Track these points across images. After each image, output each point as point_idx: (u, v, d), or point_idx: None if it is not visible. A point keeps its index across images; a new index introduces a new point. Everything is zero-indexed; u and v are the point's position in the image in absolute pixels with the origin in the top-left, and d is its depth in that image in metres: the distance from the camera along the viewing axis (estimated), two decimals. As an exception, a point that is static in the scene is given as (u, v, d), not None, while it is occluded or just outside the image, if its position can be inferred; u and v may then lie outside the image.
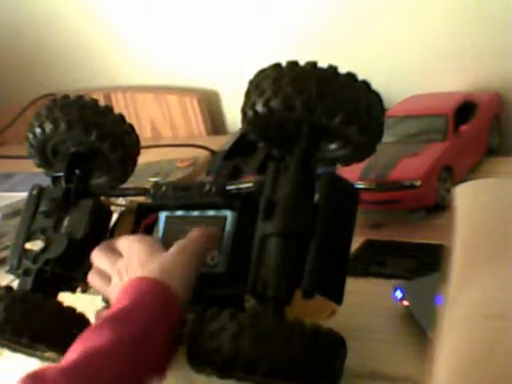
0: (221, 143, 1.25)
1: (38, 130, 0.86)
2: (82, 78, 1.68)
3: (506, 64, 1.21)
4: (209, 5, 1.47)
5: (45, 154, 0.89)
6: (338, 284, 0.68)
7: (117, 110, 1.68)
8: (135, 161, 0.91)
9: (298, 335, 0.63)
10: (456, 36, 1.24)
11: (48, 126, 0.85)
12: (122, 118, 0.89)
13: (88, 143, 0.85)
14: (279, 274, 0.66)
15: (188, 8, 1.50)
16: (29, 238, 0.83)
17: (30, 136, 0.87)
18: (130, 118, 1.60)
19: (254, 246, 0.68)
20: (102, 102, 1.64)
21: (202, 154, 1.37)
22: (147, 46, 1.59)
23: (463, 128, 1.09)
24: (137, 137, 0.90)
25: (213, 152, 1.33)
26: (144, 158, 1.42)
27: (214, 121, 1.57)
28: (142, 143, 1.54)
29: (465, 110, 1.12)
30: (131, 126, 0.90)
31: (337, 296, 0.68)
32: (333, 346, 0.65)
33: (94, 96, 1.61)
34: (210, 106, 1.56)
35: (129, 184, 1.33)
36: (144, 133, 1.61)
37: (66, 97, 0.87)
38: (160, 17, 1.54)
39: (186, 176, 1.30)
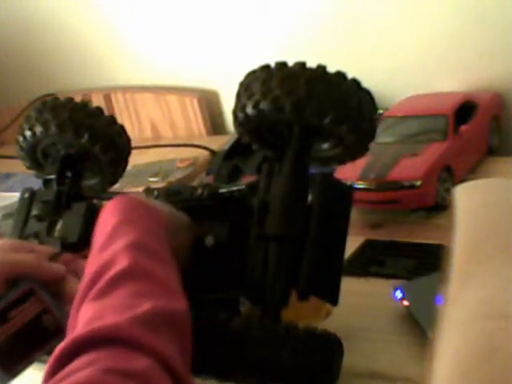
0: (221, 143, 1.26)
1: (28, 133, 0.85)
2: (82, 78, 1.68)
3: (506, 64, 1.21)
4: (209, 5, 1.47)
5: (35, 156, 0.88)
6: (334, 285, 0.68)
7: (117, 110, 1.69)
8: (126, 162, 0.90)
9: (293, 337, 0.63)
10: (456, 36, 1.24)
11: (38, 129, 0.84)
12: (113, 119, 0.88)
13: (79, 145, 0.84)
14: (275, 276, 0.66)
15: (188, 8, 1.50)
16: None
17: (20, 139, 0.86)
18: (130, 118, 1.61)
19: (248, 249, 0.68)
20: (102, 102, 1.66)
21: (202, 154, 1.37)
22: (147, 46, 1.59)
23: (463, 128, 1.09)
24: (128, 138, 0.89)
25: (213, 152, 1.33)
26: (144, 157, 1.43)
27: (214, 121, 1.57)
28: (142, 143, 1.55)
29: (465, 109, 1.12)
30: (122, 127, 0.89)
31: (332, 297, 0.67)
32: (329, 347, 0.65)
33: (94, 96, 1.63)
34: (210, 106, 1.56)
35: (129, 184, 1.33)
36: (144, 133, 1.61)
37: (56, 99, 0.86)
38: (160, 17, 1.54)
39: (186, 176, 1.30)
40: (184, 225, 0.72)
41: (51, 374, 0.50)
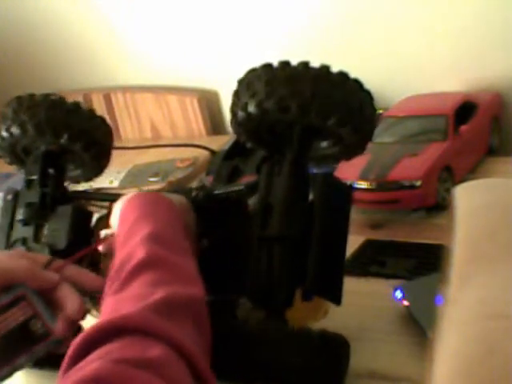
0: (221, 143, 1.25)
1: (4, 134, 0.82)
2: (82, 78, 1.68)
3: (506, 64, 1.21)
4: (209, 5, 1.47)
5: (16, 154, 0.86)
6: (338, 285, 0.68)
7: (117, 110, 1.68)
8: (109, 153, 0.88)
9: (305, 339, 0.63)
10: (456, 36, 1.24)
11: (15, 131, 0.82)
12: (91, 112, 0.85)
13: (59, 144, 0.82)
14: (279, 277, 0.66)
15: (188, 8, 1.50)
16: (9, 249, 0.80)
17: None
18: (130, 118, 1.62)
19: (246, 250, 0.68)
20: (102, 102, 1.66)
21: (202, 154, 1.37)
22: (147, 46, 1.59)
23: (463, 128, 1.09)
24: (109, 129, 0.87)
25: (213, 152, 1.33)
26: (144, 157, 1.43)
27: (214, 121, 1.57)
28: (142, 143, 1.55)
29: (465, 109, 1.12)
30: (102, 119, 0.86)
31: (336, 297, 0.68)
32: (339, 348, 0.65)
33: (94, 96, 1.63)
34: (210, 105, 1.56)
35: (129, 184, 1.33)
36: (144, 133, 1.62)
37: (32, 96, 0.83)
38: (160, 17, 1.54)
39: (186, 176, 1.30)
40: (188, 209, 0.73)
41: (67, 368, 0.50)
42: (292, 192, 0.68)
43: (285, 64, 0.68)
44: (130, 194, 0.74)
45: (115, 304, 0.56)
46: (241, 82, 0.71)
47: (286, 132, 0.71)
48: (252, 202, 0.71)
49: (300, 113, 0.66)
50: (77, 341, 0.51)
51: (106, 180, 1.31)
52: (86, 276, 0.69)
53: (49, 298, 0.67)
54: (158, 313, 0.53)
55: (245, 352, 0.64)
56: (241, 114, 0.70)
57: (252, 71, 0.70)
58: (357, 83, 0.69)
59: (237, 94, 0.71)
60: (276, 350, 0.63)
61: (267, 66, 0.69)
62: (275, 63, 0.69)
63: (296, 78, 0.67)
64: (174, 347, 0.50)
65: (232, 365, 0.64)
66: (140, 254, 0.60)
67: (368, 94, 0.70)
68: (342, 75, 0.68)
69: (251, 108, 0.68)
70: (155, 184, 1.28)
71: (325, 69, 0.68)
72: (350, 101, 0.68)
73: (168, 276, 0.59)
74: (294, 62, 0.69)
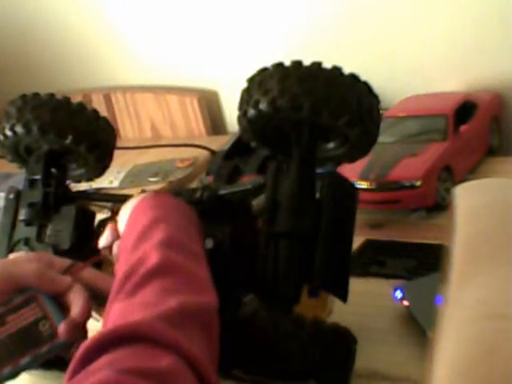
0: (221, 143, 1.25)
1: (8, 133, 0.82)
2: (81, 78, 1.68)
3: (506, 64, 1.21)
4: (209, 5, 1.47)
5: (18, 153, 0.86)
6: (344, 282, 0.68)
7: (117, 110, 1.68)
8: (112, 154, 0.87)
9: (320, 333, 0.63)
10: (456, 36, 1.24)
11: (19, 130, 0.81)
12: (96, 113, 0.84)
13: (63, 145, 0.82)
14: (288, 273, 0.66)
15: (188, 8, 1.50)
16: (12, 249, 0.80)
17: (1, 137, 0.83)
18: (130, 118, 1.62)
19: (252, 249, 0.68)
20: (102, 102, 1.66)
21: (202, 154, 1.37)
22: (147, 46, 1.59)
23: (463, 128, 1.09)
24: (112, 129, 0.86)
25: (213, 152, 1.33)
26: (144, 158, 1.43)
27: (214, 121, 1.57)
28: (142, 143, 1.55)
29: (465, 109, 1.12)
30: (105, 120, 0.86)
31: (343, 294, 0.68)
32: (350, 343, 0.65)
33: (94, 96, 1.63)
34: (210, 105, 1.56)
35: (129, 184, 1.33)
36: (144, 133, 1.61)
37: (37, 96, 0.83)
38: (160, 17, 1.54)
39: (186, 176, 1.30)
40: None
41: (73, 373, 0.50)
42: (300, 191, 0.68)
43: (297, 63, 0.69)
44: (139, 196, 0.73)
45: (124, 309, 0.56)
46: (251, 80, 0.71)
47: (292, 132, 0.71)
48: (256, 202, 0.71)
49: (312, 111, 0.67)
50: (84, 346, 0.51)
51: (106, 180, 1.31)
52: (102, 279, 0.69)
53: (63, 301, 0.67)
54: (169, 322, 0.53)
55: (255, 346, 0.64)
56: (252, 111, 0.70)
57: (263, 70, 0.71)
58: (366, 86, 0.69)
59: (248, 92, 0.71)
60: (288, 343, 0.63)
61: (279, 65, 0.69)
62: (287, 62, 0.69)
63: (309, 77, 0.67)
64: (183, 357, 0.50)
65: (242, 360, 0.64)
66: (153, 259, 0.59)
67: (376, 98, 0.70)
68: (353, 77, 0.69)
69: (263, 105, 0.68)
70: (155, 184, 1.28)
71: (337, 70, 0.68)
72: (361, 102, 0.68)
73: (181, 284, 0.58)
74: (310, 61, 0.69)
